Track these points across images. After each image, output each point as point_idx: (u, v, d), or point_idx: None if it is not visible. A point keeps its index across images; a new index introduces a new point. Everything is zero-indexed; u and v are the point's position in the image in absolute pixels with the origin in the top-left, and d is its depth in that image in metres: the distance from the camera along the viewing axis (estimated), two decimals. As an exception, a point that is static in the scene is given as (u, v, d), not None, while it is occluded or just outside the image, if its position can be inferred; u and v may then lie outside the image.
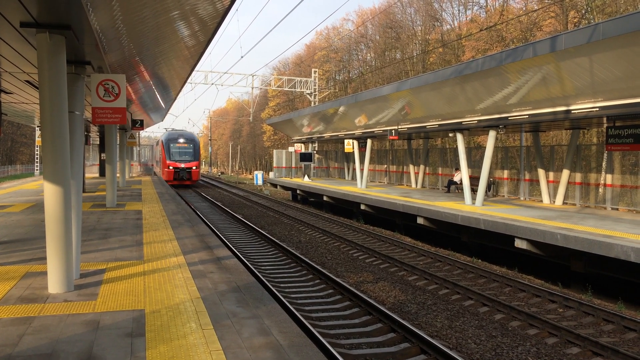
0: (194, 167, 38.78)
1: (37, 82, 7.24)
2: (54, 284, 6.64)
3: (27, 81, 11.08)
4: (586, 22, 28.65)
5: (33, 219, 13.21)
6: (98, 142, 39.09)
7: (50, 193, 6.48)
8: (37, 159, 42.90)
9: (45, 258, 7.28)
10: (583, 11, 30.20)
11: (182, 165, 38.13)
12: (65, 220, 6.57)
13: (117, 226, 12.47)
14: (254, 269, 11.80)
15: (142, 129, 30.43)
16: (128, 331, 5.30)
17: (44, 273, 7.31)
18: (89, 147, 46.20)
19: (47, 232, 6.57)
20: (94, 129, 31.59)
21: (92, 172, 39.56)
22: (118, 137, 22.81)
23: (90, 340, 5.03)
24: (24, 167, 70.15)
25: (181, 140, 39.45)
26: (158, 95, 20.80)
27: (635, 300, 10.74)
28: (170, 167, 37.94)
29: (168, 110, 32.49)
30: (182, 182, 38.37)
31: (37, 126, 32.10)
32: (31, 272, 7.71)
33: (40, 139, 32.95)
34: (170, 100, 24.46)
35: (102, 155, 34.78)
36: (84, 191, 20.34)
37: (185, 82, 18.41)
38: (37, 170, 42.91)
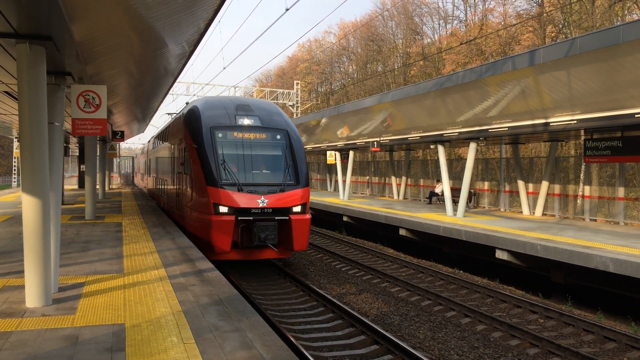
0: (297, 207, 12.16)
1: (16, 93, 7.13)
2: (32, 297, 6.50)
3: (6, 92, 10.92)
4: (563, 36, 29.24)
5: (10, 232, 12.96)
6: (77, 154, 38.20)
7: (29, 205, 6.37)
8: (14, 170, 42.17)
9: (22, 271, 7.15)
10: (560, 26, 30.83)
11: (262, 202, 11.80)
12: (44, 233, 6.45)
13: (97, 239, 12.29)
14: (236, 281, 11.71)
15: (123, 140, 28.59)
16: (108, 346, 5.20)
17: (22, 287, 7.16)
18: (68, 158, 45.52)
19: (25, 245, 6.44)
20: (73, 140, 31.15)
21: (71, 184, 39.00)
22: (98, 149, 22.56)
23: (69, 355, 4.93)
24: (1, 179, 68.85)
25: (246, 121, 12.95)
26: (139, 107, 20.65)
27: (614, 310, 10.88)
28: (224, 207, 11.62)
29: (149, 121, 32.28)
30: (258, 253, 12.44)
31: (16, 137, 31.58)
32: (8, 285, 7.55)
33: (18, 150, 32.42)
34: (151, 111, 24.32)
35: (81, 166, 34.28)
36: (63, 203, 20.03)
37: (166, 93, 18.34)
38: (14, 182, 42.17)
